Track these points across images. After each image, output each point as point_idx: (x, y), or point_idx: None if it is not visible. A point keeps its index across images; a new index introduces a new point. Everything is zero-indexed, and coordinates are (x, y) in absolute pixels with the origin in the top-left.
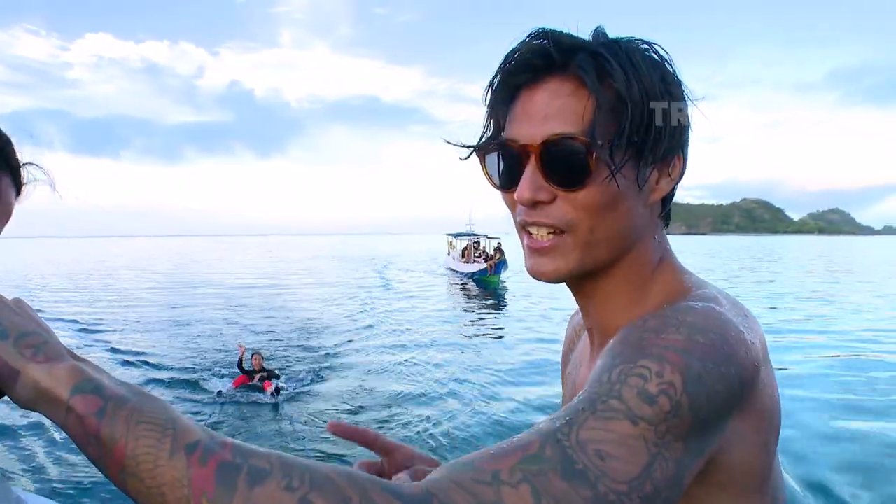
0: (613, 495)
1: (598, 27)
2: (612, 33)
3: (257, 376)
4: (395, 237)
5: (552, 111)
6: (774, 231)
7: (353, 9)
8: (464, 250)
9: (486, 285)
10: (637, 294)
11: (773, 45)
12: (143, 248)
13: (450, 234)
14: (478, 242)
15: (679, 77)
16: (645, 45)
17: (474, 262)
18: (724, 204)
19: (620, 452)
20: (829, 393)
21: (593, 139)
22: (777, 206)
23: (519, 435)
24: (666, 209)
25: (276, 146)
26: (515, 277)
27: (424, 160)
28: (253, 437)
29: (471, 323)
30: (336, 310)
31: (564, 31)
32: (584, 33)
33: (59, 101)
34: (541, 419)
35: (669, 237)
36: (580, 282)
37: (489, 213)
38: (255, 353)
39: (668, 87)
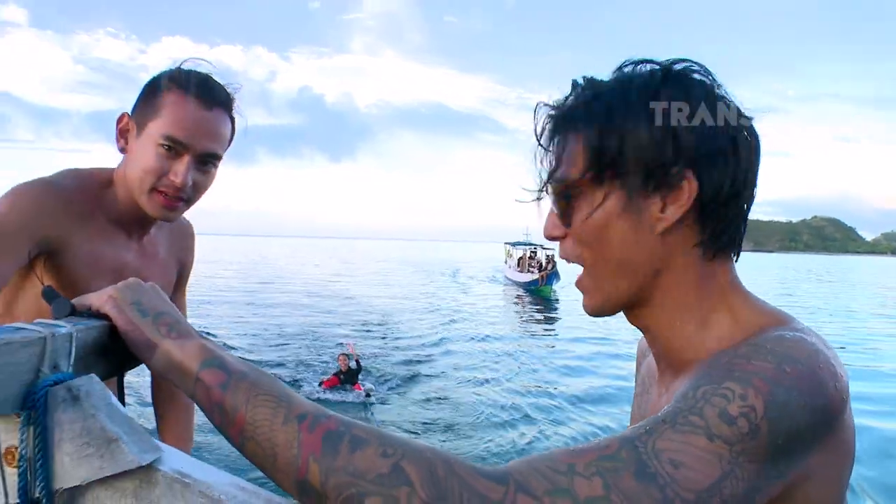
0: (680, 501)
1: (586, 78)
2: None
3: (343, 376)
4: (459, 244)
5: (559, 157)
6: (845, 251)
7: (423, 17)
8: (519, 259)
9: (538, 296)
10: (690, 326)
11: (849, 58)
12: (213, 247)
13: (508, 244)
14: (535, 252)
15: (687, 92)
16: (651, 67)
17: (529, 272)
18: (794, 221)
19: (693, 463)
20: None
21: (564, 178)
22: (849, 224)
23: (599, 438)
24: (707, 236)
25: (345, 150)
26: (569, 288)
27: (490, 168)
28: None
29: (534, 335)
30: (416, 314)
31: (558, 103)
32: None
33: None
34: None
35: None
36: (628, 315)
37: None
38: (341, 353)
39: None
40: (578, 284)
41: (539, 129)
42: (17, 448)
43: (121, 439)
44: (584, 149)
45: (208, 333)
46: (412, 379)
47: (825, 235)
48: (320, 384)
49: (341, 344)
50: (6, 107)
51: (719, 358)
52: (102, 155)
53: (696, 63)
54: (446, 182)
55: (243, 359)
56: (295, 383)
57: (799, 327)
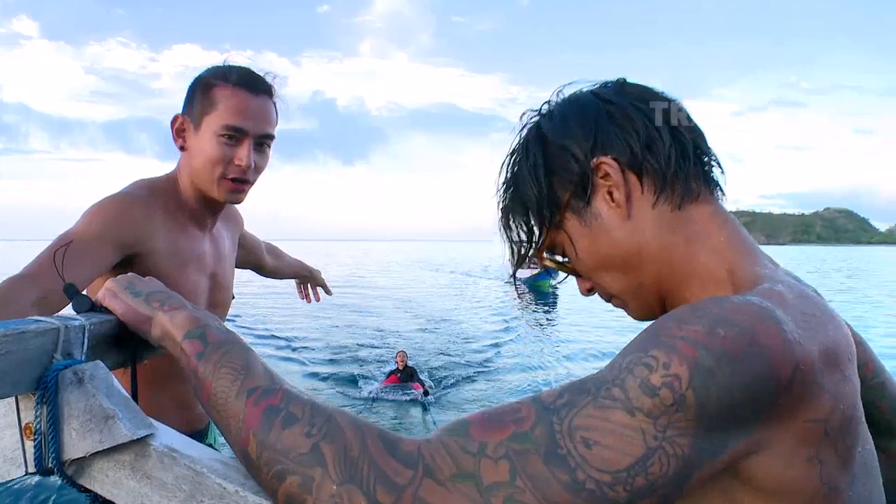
0: (592, 483)
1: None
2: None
3: (401, 374)
4: (473, 244)
5: (520, 242)
6: (858, 241)
7: (431, 18)
8: None
9: (537, 290)
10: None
11: (866, 49)
12: None
13: None
14: None
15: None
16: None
17: (530, 268)
18: (806, 213)
19: (609, 442)
20: None
21: (536, 252)
22: (862, 216)
23: (521, 401)
24: (658, 189)
25: (358, 153)
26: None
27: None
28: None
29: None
30: (462, 314)
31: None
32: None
33: (149, 110)
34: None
35: None
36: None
37: None
38: (400, 351)
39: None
40: (616, 305)
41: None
42: (33, 424)
43: (117, 416)
44: (524, 223)
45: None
46: (468, 378)
47: (838, 227)
48: (382, 381)
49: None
50: (22, 118)
51: (656, 322)
52: (118, 163)
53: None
54: (459, 182)
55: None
56: (354, 381)
57: (764, 289)
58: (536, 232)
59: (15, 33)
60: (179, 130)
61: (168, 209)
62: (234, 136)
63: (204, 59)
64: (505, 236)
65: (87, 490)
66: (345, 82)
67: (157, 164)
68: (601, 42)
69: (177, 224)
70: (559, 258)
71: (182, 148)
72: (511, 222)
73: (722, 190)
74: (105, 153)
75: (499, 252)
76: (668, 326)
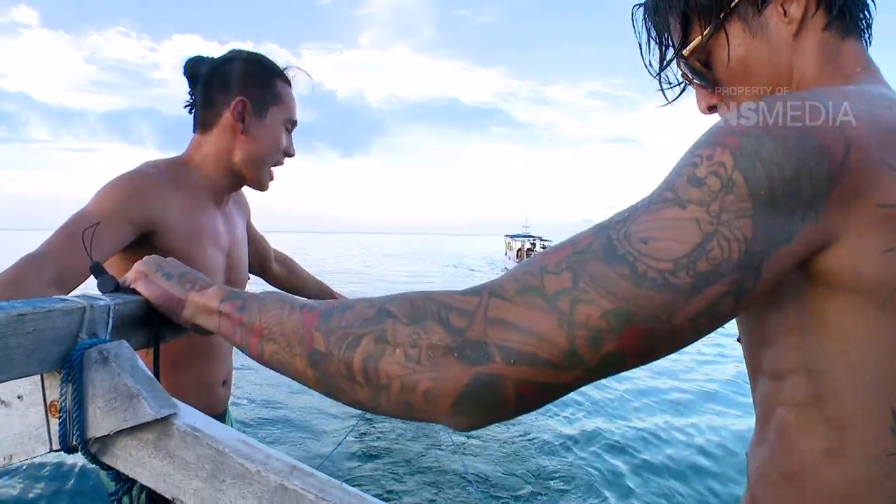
0: (654, 272)
1: None
2: None
3: None
4: (471, 238)
5: (668, 35)
6: None
7: (434, 10)
8: (518, 251)
9: None
10: None
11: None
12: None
13: (508, 236)
14: (534, 244)
15: None
16: None
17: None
18: None
19: (665, 234)
20: None
21: (687, 45)
22: None
23: (582, 231)
24: (836, 12)
25: (358, 145)
26: None
27: (503, 162)
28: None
29: None
30: None
31: None
32: None
33: (149, 100)
34: None
35: None
36: None
37: (543, 215)
38: None
39: None
40: None
41: (640, 32)
42: (58, 401)
43: (141, 395)
44: (681, 13)
45: None
46: None
47: None
48: None
49: None
50: (22, 107)
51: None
52: (118, 154)
53: None
54: (460, 176)
55: None
56: None
57: (830, 91)
58: (698, 27)
59: (14, 22)
60: (242, 114)
61: (179, 186)
62: (290, 128)
63: (204, 49)
64: (651, 25)
65: (110, 468)
66: (345, 74)
67: (158, 154)
68: (604, 34)
69: (189, 201)
70: (701, 69)
71: (243, 132)
72: (660, 10)
73: (870, 36)
74: (105, 143)
75: (498, 247)
76: (715, 129)
